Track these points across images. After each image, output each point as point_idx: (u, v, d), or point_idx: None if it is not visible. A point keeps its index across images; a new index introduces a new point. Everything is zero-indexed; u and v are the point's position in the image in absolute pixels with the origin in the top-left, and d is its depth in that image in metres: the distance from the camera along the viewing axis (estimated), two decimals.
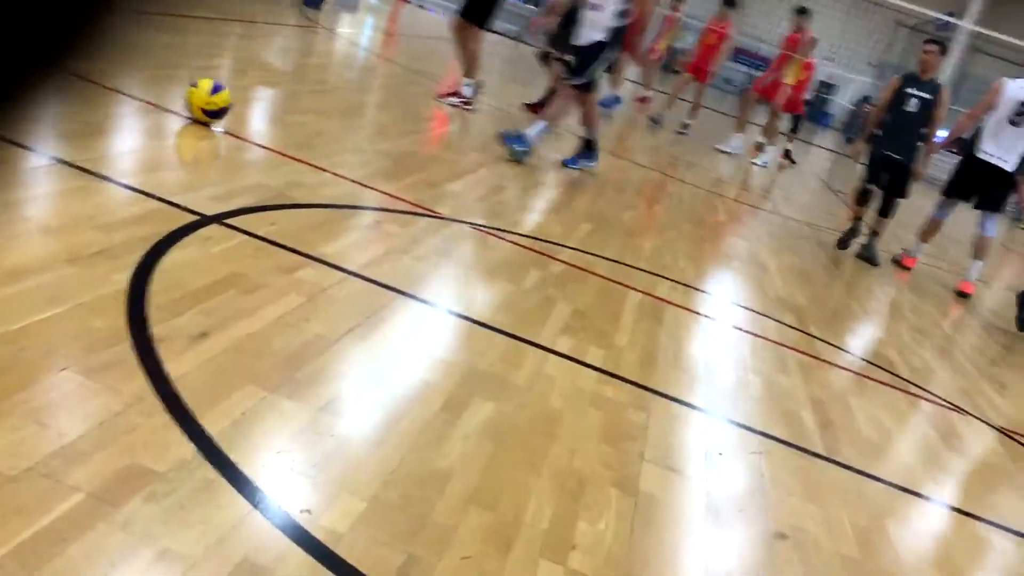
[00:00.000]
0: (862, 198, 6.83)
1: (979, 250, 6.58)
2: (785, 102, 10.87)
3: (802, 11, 10.79)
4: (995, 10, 27.08)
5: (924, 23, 28.26)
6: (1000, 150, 6.37)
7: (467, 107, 7.01)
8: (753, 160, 10.72)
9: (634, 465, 2.29)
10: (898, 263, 6.96)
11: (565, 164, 6.14)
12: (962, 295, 6.50)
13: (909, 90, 6.59)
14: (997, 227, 6.77)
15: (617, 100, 10.52)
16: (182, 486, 1.61)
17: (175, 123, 4.00)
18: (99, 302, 2.14)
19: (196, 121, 3.97)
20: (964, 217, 7.58)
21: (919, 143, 6.60)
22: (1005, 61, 28.96)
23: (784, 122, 11.55)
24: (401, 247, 3.36)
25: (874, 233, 6.78)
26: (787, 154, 11.81)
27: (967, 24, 24.90)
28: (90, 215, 2.64)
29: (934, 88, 6.60)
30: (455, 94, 7.04)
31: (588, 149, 6.23)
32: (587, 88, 6.03)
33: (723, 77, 23.76)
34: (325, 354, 2.30)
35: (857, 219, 6.87)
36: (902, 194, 6.75)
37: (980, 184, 6.49)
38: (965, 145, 6.77)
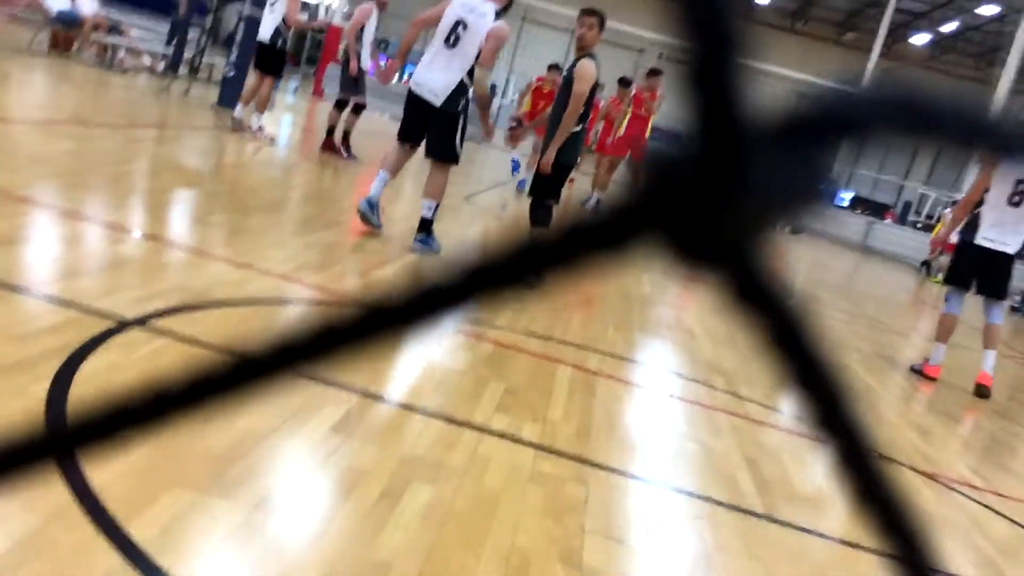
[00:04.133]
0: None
1: (988, 339, 6.05)
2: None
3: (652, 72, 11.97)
4: (887, 77, 28.63)
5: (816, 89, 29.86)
6: (1003, 235, 5.91)
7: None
8: None
9: (577, 538, 2.27)
10: (919, 372, 6.22)
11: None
12: (981, 388, 5.99)
13: None
14: (1003, 315, 6.30)
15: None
16: None
17: (92, 230, 3.94)
18: (17, 414, 2.07)
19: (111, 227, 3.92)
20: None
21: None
22: None
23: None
24: None
25: None
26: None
27: (859, 88, 26.28)
28: (4, 326, 2.57)
29: None
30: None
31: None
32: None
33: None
34: (255, 451, 2.25)
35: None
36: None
37: (981, 270, 6.05)
38: (963, 230, 6.23)
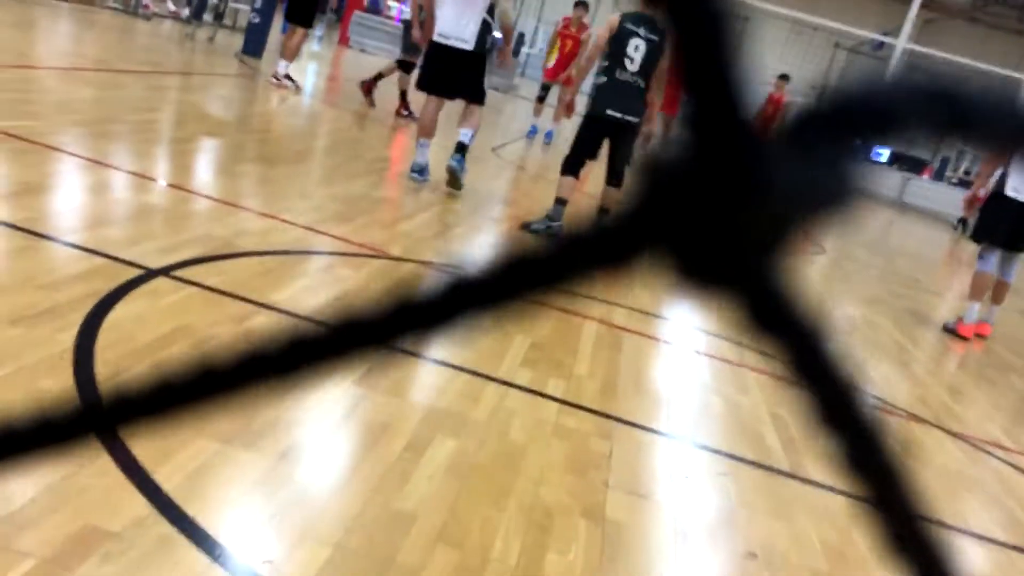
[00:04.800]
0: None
1: (998, 295, 6.09)
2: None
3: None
4: (928, 28, 27.97)
5: (860, 44, 29.15)
6: None
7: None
8: None
9: (600, 493, 2.27)
10: (952, 332, 6.08)
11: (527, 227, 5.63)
12: (978, 336, 6.08)
13: None
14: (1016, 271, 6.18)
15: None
16: (138, 544, 1.56)
17: (117, 178, 3.95)
18: (45, 362, 2.08)
19: (139, 176, 3.92)
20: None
21: None
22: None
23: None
24: (354, 290, 3.33)
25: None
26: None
27: (902, 43, 25.68)
28: (32, 275, 2.59)
29: None
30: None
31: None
32: None
33: None
34: (279, 403, 2.26)
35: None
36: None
37: (1009, 224, 5.93)
38: (994, 184, 6.17)
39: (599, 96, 5.29)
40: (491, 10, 5.72)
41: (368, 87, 9.16)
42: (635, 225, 0.23)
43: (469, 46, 5.67)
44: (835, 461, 0.28)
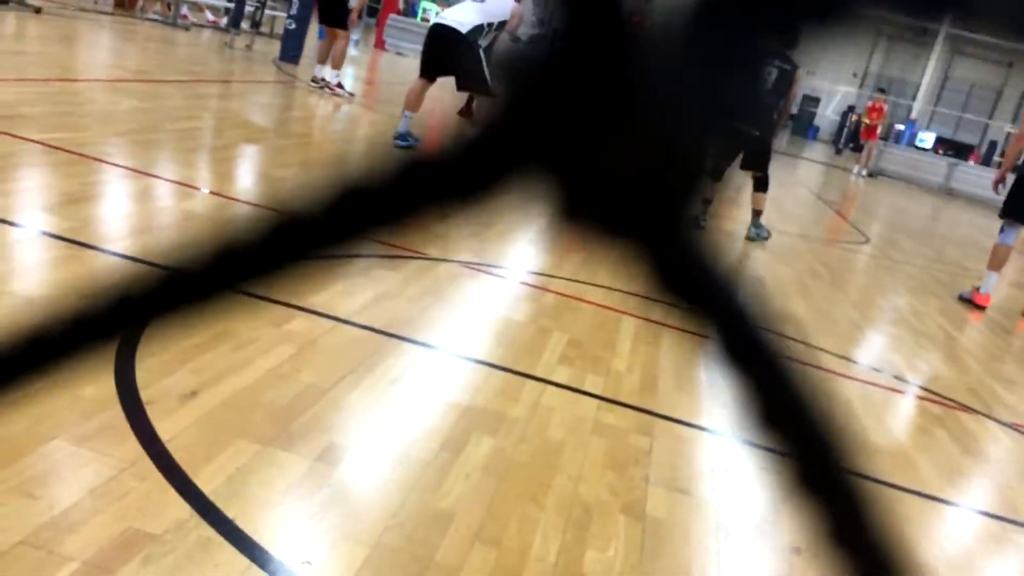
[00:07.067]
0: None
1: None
2: None
3: None
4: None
5: (903, 30, 28.60)
6: None
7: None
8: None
9: (640, 490, 2.25)
10: (969, 301, 6.39)
11: None
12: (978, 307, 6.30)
13: None
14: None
15: None
16: (179, 547, 1.58)
17: (159, 187, 4.01)
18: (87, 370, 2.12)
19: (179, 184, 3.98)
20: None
21: None
22: (986, 62, 29.28)
23: None
24: (391, 291, 3.35)
25: None
26: None
27: (945, 27, 25.16)
28: (74, 283, 2.63)
29: None
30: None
31: None
32: None
33: None
34: (319, 403, 2.27)
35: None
36: None
37: None
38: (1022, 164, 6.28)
39: None
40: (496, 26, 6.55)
41: (466, 110, 9.08)
42: (498, 141, 0.18)
43: (464, 29, 6.24)
44: (751, 415, 0.24)
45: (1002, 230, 6.29)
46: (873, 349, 4.77)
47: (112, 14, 11.16)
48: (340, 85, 8.94)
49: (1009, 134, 27.66)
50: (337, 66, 8.93)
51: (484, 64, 6.28)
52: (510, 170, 0.18)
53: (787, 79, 6.10)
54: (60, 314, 0.27)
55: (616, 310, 3.90)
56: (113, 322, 0.25)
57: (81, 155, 4.06)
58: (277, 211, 0.22)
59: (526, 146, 0.18)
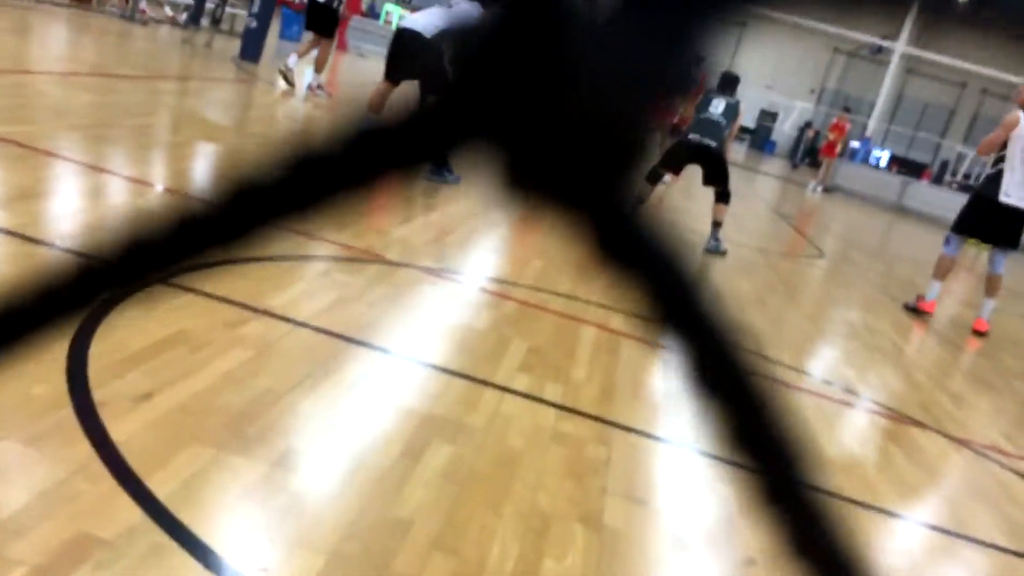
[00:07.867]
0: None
1: (991, 288, 6.42)
2: None
3: None
4: (927, 32, 27.91)
5: (860, 48, 29.16)
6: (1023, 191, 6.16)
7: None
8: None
9: (598, 500, 2.26)
10: (914, 309, 6.59)
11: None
12: (978, 334, 6.40)
13: None
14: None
15: None
16: (130, 553, 1.54)
17: (112, 183, 3.93)
18: (38, 368, 2.07)
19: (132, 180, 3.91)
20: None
21: None
22: (940, 81, 29.96)
23: None
24: (351, 295, 3.32)
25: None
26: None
27: (901, 47, 25.58)
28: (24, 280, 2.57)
29: None
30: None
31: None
32: None
33: None
34: (275, 408, 2.24)
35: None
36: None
37: (997, 225, 6.29)
38: (983, 185, 6.47)
39: None
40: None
41: None
42: (444, 113, 0.18)
43: (428, 34, 6.22)
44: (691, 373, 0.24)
45: (947, 241, 6.55)
46: (827, 362, 4.85)
47: (68, 6, 10.95)
48: (320, 87, 9.07)
49: (960, 153, 28.38)
50: (320, 70, 9.09)
51: (448, 70, 6.31)
52: (458, 138, 0.19)
53: (733, 111, 6.90)
54: None
55: (576, 319, 3.91)
56: (44, 311, 0.24)
57: (33, 149, 3.97)
58: (234, 180, 0.22)
59: (472, 115, 0.18)
